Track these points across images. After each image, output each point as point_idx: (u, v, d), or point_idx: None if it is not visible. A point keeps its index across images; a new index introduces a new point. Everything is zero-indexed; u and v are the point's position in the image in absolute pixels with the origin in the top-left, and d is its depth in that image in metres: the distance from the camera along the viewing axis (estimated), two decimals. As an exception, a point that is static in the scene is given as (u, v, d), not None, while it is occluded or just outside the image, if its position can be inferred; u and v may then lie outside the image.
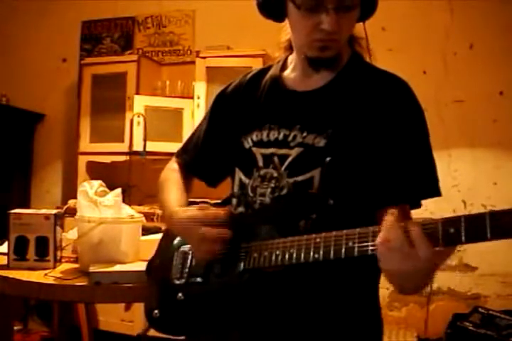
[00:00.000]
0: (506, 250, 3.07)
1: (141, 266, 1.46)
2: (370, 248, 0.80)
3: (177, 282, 1.10)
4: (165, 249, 1.19)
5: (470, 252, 3.04)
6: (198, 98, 3.31)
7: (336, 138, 1.02)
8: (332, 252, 0.85)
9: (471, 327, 2.68)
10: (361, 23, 1.12)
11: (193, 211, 1.06)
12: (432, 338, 3.06)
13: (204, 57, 3.35)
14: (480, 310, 2.82)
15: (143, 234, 1.68)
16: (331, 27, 0.98)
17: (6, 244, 1.64)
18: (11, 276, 1.48)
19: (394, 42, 3.29)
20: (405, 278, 0.81)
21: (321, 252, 0.86)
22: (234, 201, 1.13)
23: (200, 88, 3.32)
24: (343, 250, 0.83)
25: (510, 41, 3.14)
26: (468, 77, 3.21)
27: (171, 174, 1.29)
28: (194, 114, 3.31)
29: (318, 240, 0.87)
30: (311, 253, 0.87)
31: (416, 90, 1.08)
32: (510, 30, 3.14)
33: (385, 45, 3.24)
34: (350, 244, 0.82)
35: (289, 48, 1.18)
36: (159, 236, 1.62)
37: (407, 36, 3.29)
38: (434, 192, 0.99)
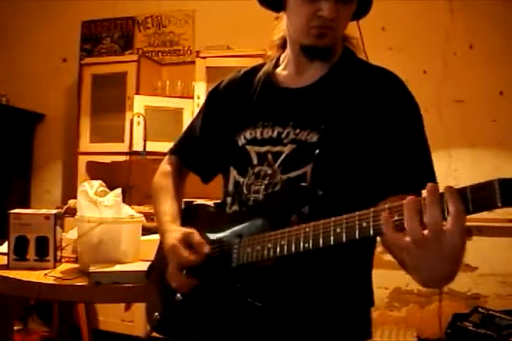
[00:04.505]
0: (506, 250, 3.07)
1: (141, 266, 1.46)
2: (357, 231, 0.79)
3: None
4: (163, 252, 1.19)
5: (470, 252, 3.03)
6: (198, 98, 3.31)
7: (328, 133, 1.03)
8: (321, 240, 0.84)
9: (471, 327, 2.68)
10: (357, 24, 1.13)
11: (174, 242, 1.06)
12: (431, 338, 3.06)
13: (204, 57, 3.36)
14: (480, 310, 2.83)
15: (143, 234, 1.67)
16: (330, 14, 1.00)
17: (6, 244, 1.64)
18: (11, 276, 1.48)
19: (394, 42, 3.29)
20: (433, 266, 0.74)
21: (311, 241, 0.86)
22: (228, 200, 1.14)
23: (200, 88, 3.32)
24: (332, 237, 0.83)
25: (510, 41, 3.14)
26: (468, 77, 3.21)
27: (164, 180, 1.29)
28: (194, 113, 3.30)
29: (307, 229, 0.87)
30: (301, 243, 0.88)
31: (416, 90, 1.09)
32: (510, 30, 3.14)
33: (385, 44, 3.24)
34: (338, 230, 0.82)
35: (282, 46, 1.19)
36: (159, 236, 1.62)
37: (407, 36, 3.29)
38: (431, 180, 0.99)
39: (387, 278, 2.96)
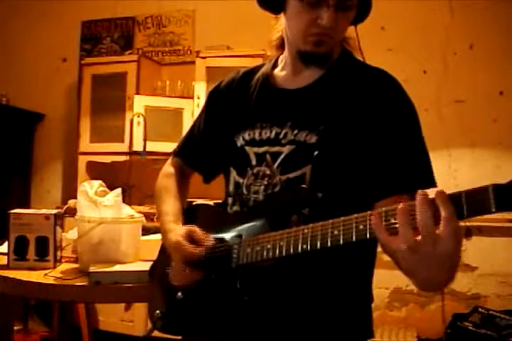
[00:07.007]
0: (506, 250, 3.07)
1: (141, 266, 1.46)
2: (354, 233, 0.80)
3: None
4: (166, 251, 1.19)
5: (470, 252, 3.03)
6: (198, 98, 3.32)
7: (327, 134, 1.03)
8: (319, 242, 0.85)
9: (471, 327, 2.68)
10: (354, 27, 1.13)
11: (178, 238, 1.07)
12: (431, 338, 3.06)
13: (204, 57, 3.36)
14: (480, 310, 2.82)
15: (143, 234, 1.68)
16: (329, 22, 1.00)
17: (6, 244, 1.64)
18: (11, 276, 1.48)
19: (394, 42, 3.29)
20: (430, 266, 0.73)
21: (309, 242, 0.87)
22: (229, 200, 1.14)
23: (200, 88, 3.32)
24: (329, 239, 0.83)
25: (510, 41, 3.15)
26: (468, 77, 3.21)
27: (166, 181, 1.30)
28: (194, 114, 3.31)
29: (306, 231, 0.88)
30: (300, 244, 0.88)
31: (416, 90, 1.09)
32: (510, 30, 3.15)
33: (384, 44, 3.24)
34: (336, 232, 0.83)
35: (280, 47, 1.18)
36: (159, 236, 1.63)
37: (407, 36, 3.29)
38: (429, 182, 0.99)
39: (387, 278, 2.95)
